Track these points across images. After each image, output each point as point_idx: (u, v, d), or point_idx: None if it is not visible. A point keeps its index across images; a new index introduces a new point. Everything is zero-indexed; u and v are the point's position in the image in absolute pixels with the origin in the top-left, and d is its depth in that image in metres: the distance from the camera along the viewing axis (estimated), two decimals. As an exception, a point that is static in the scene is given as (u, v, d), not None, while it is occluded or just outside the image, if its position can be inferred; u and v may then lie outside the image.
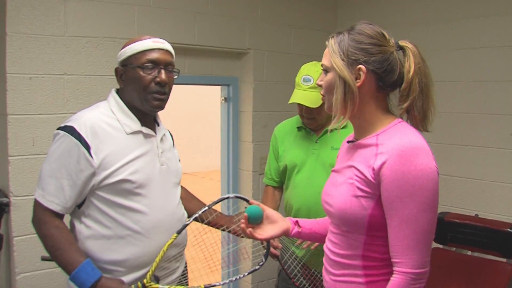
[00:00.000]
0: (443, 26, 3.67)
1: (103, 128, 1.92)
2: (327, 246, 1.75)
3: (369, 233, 1.58)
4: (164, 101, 2.03)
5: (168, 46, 2.04)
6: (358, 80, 1.60)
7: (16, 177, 2.84)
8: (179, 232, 1.99)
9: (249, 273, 2.09)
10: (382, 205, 1.53)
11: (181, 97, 10.26)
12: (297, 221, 1.94)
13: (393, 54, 1.63)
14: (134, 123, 1.99)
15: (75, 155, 1.86)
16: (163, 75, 1.97)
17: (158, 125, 2.14)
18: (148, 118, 2.07)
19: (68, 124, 1.92)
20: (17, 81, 2.82)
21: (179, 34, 3.43)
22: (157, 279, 1.99)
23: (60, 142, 1.89)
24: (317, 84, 1.77)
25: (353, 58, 1.59)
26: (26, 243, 2.86)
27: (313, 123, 2.64)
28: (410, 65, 1.60)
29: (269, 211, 1.92)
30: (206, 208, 2.03)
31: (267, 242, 2.11)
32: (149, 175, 1.98)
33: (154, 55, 1.96)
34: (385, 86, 1.63)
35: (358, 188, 1.57)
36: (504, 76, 3.40)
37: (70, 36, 2.98)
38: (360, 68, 1.59)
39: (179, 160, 2.28)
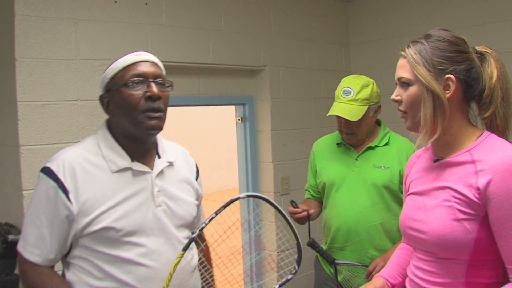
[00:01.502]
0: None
1: (84, 168, 1.65)
2: (416, 274, 1.58)
3: (474, 258, 1.43)
4: (161, 119, 1.72)
5: (154, 58, 1.76)
6: (447, 91, 1.47)
7: (31, 212, 2.64)
8: (185, 249, 1.68)
9: (280, 286, 1.81)
10: (490, 226, 1.40)
11: (194, 118, 10.15)
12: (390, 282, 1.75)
13: (475, 60, 1.51)
14: (121, 160, 1.70)
15: (52, 200, 1.61)
16: (153, 88, 1.67)
17: (160, 158, 1.82)
18: (143, 151, 1.77)
19: (47, 165, 1.67)
20: (29, 109, 2.65)
21: (193, 53, 3.27)
22: None
23: (39, 186, 1.66)
24: (393, 99, 1.60)
25: (439, 67, 1.48)
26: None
27: (353, 138, 2.52)
28: (492, 71, 1.51)
29: None
30: (214, 215, 1.72)
31: (297, 242, 1.82)
32: (139, 220, 1.68)
33: (139, 69, 1.68)
34: (473, 96, 1.51)
35: (459, 210, 1.43)
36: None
37: (82, 59, 2.82)
38: (449, 78, 1.47)
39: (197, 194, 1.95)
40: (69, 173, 1.63)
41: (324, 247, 2.56)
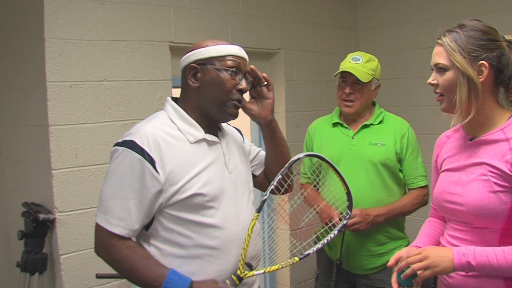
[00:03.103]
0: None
1: (165, 139, 1.73)
2: (451, 242, 1.71)
3: (507, 226, 1.57)
4: (239, 110, 1.88)
5: (247, 57, 1.91)
6: (480, 76, 1.61)
7: (60, 191, 2.68)
8: (258, 211, 1.83)
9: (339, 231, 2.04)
10: None
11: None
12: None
13: (505, 48, 1.65)
14: (197, 131, 1.81)
15: (139, 171, 1.66)
16: (244, 83, 1.84)
17: (221, 130, 1.97)
18: (211, 125, 1.89)
19: (127, 138, 1.72)
20: (58, 89, 2.67)
21: (213, 35, 3.24)
22: (250, 267, 1.85)
23: (121, 159, 1.69)
24: (430, 83, 1.72)
25: (474, 54, 1.61)
26: (74, 261, 2.71)
27: (351, 108, 2.56)
28: None
29: None
30: (280, 176, 1.87)
31: (348, 192, 2.01)
32: (220, 186, 1.79)
33: (239, 62, 1.82)
34: (503, 80, 1.66)
35: (495, 183, 1.58)
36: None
37: (108, 40, 2.84)
38: (482, 64, 1.61)
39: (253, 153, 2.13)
40: (154, 144, 1.69)
41: (322, 227, 2.54)
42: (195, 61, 1.81)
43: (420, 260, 1.58)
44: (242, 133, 2.16)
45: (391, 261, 1.70)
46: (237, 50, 1.84)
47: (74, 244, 2.71)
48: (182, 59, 1.85)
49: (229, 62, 1.79)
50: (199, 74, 1.80)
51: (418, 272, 1.58)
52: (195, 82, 1.81)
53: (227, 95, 1.79)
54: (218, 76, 1.79)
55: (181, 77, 1.86)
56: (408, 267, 1.59)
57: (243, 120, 2.06)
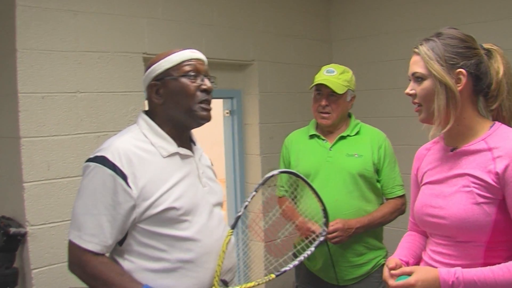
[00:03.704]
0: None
1: (138, 154, 1.72)
2: (434, 258, 1.68)
3: (492, 240, 1.54)
4: (210, 111, 1.87)
5: (204, 57, 1.91)
6: (458, 84, 1.60)
7: (32, 204, 2.63)
8: (233, 227, 1.86)
9: (316, 247, 2.04)
10: (506, 208, 1.52)
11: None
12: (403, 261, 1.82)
13: (483, 56, 1.65)
14: (169, 145, 1.81)
15: (111, 187, 1.66)
16: (207, 82, 1.82)
17: (195, 144, 1.98)
18: (184, 138, 1.90)
19: (99, 154, 1.71)
20: (30, 101, 2.63)
21: (187, 47, 3.25)
22: (225, 284, 1.85)
23: (93, 175, 1.68)
24: (407, 93, 1.71)
25: (451, 62, 1.60)
26: (45, 275, 2.66)
27: (328, 120, 2.58)
28: (498, 66, 1.64)
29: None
30: (254, 193, 1.92)
31: (324, 208, 2.06)
32: (193, 199, 1.79)
33: (195, 64, 1.82)
34: (481, 89, 1.65)
35: (479, 194, 1.55)
36: None
37: (81, 51, 2.81)
38: (460, 72, 1.60)
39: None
40: (126, 159, 1.68)
41: (301, 240, 2.51)
42: (154, 78, 1.82)
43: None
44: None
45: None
46: (190, 54, 1.84)
47: (46, 258, 2.66)
48: (142, 79, 1.87)
49: (186, 68, 1.80)
50: (161, 90, 1.81)
51: None
52: (159, 98, 1.82)
53: (193, 99, 1.80)
54: (178, 85, 1.79)
55: (147, 96, 1.87)
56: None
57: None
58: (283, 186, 2.73)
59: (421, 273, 1.58)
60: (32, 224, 2.62)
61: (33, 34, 2.64)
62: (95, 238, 1.66)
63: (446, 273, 1.53)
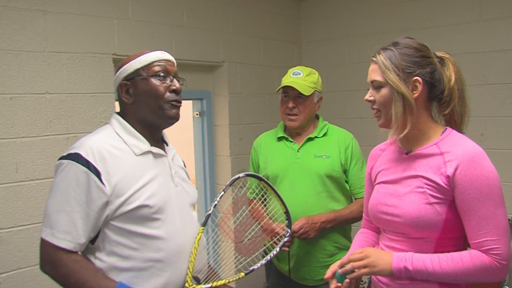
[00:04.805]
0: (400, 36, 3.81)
1: (111, 152, 1.73)
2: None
3: (442, 236, 1.66)
4: (179, 111, 1.90)
5: (172, 58, 1.94)
6: (414, 92, 1.69)
7: (0, 207, 2.59)
8: (204, 225, 1.90)
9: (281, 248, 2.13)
10: (456, 209, 1.64)
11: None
12: None
13: (437, 64, 1.74)
14: (142, 144, 1.83)
15: (84, 183, 1.66)
16: (176, 83, 1.86)
17: (167, 145, 2.00)
18: (156, 138, 1.92)
19: (72, 151, 1.72)
20: (-3, 101, 2.59)
21: (157, 47, 3.25)
22: (197, 281, 1.87)
23: (66, 172, 1.68)
24: (367, 99, 1.78)
25: (408, 71, 1.69)
26: (14, 279, 2.61)
27: (295, 122, 2.62)
28: (450, 74, 1.75)
29: None
30: (222, 193, 1.96)
31: (286, 211, 2.15)
32: (165, 198, 1.81)
33: (165, 65, 1.85)
34: (435, 95, 1.74)
35: (431, 195, 1.66)
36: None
37: (50, 52, 2.78)
38: (416, 80, 1.69)
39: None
40: (99, 156, 1.69)
41: (268, 241, 2.55)
42: (124, 78, 1.84)
43: (361, 259, 1.70)
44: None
45: (328, 273, 1.81)
46: (160, 55, 1.87)
47: (15, 262, 2.62)
48: (113, 79, 1.88)
49: (155, 68, 1.82)
50: (130, 90, 1.83)
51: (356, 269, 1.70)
52: (129, 98, 1.84)
53: (162, 99, 1.82)
54: (148, 85, 1.82)
55: (117, 97, 1.88)
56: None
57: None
58: (253, 189, 2.76)
59: (373, 250, 1.76)
60: (0, 228, 2.58)
61: (1, 34, 2.60)
62: (68, 236, 1.65)
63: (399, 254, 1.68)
